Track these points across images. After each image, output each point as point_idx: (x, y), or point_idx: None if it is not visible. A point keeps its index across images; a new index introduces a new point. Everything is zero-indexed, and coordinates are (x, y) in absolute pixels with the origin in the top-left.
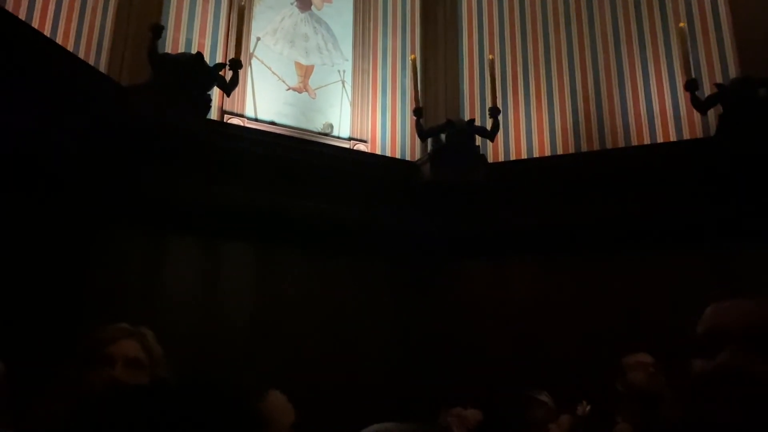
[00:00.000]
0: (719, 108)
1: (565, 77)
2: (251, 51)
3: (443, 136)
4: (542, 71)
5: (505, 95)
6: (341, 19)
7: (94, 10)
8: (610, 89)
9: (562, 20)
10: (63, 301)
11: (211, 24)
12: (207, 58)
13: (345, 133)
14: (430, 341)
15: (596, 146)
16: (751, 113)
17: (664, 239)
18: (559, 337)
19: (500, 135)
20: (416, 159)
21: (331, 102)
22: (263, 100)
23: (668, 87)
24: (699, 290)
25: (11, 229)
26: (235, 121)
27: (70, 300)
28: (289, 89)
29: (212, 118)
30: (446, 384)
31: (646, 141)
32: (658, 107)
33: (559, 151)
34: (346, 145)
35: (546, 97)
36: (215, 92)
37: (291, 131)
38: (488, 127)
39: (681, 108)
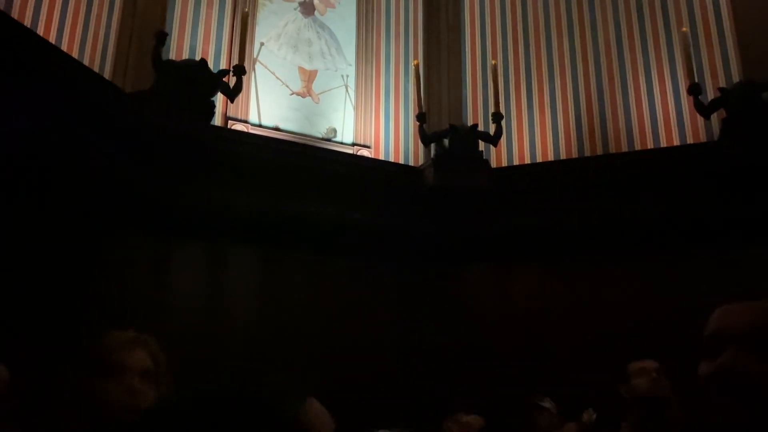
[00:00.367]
0: (722, 112)
1: (567, 82)
2: (255, 56)
3: (446, 142)
4: (545, 76)
5: (508, 100)
6: (344, 24)
7: (98, 17)
8: (613, 94)
9: (564, 24)
10: (67, 306)
11: (215, 30)
12: (211, 64)
13: (348, 138)
14: (433, 346)
15: (599, 151)
16: (755, 117)
17: (668, 243)
18: (563, 342)
19: (503, 140)
20: (419, 164)
21: (334, 106)
22: (267, 104)
23: (671, 91)
24: (704, 294)
25: (17, 234)
26: (238, 127)
27: (74, 306)
28: (292, 94)
29: (216, 124)
30: (449, 389)
31: (650, 145)
32: (661, 111)
33: (563, 156)
34: (349, 150)
35: (549, 101)
36: (219, 98)
37: (294, 137)
38: (491, 132)
39: (684, 112)
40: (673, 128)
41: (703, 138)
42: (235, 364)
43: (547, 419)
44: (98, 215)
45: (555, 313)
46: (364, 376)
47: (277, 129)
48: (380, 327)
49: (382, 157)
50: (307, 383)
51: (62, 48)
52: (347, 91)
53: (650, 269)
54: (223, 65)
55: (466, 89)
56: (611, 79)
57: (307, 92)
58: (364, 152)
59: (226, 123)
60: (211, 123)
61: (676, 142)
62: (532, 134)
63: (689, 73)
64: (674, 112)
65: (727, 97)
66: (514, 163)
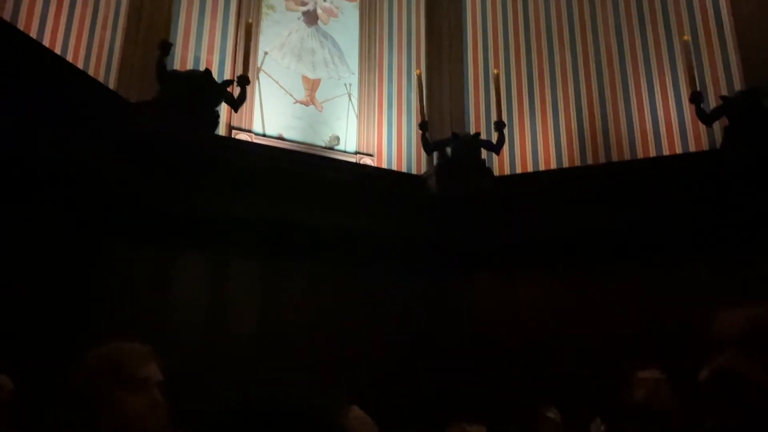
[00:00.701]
0: (724, 120)
1: (570, 90)
2: (259, 65)
3: (449, 150)
4: (547, 84)
5: (510, 109)
6: (347, 34)
7: (104, 27)
8: (615, 102)
9: (566, 33)
10: (70, 315)
11: (219, 40)
12: (215, 74)
13: (351, 147)
14: (437, 354)
15: (601, 159)
16: (756, 124)
17: (671, 250)
18: (568, 350)
19: (506, 148)
20: (422, 172)
21: (338, 115)
22: (271, 113)
23: (673, 99)
24: (706, 300)
25: (21, 243)
26: (242, 136)
27: (78, 314)
28: (296, 102)
29: (220, 133)
30: (452, 397)
31: (652, 153)
32: (663, 120)
33: (565, 164)
34: (352, 159)
35: (551, 110)
36: (223, 108)
37: (298, 145)
38: (494, 140)
39: (686, 120)
40: (675, 136)
41: (705, 146)
42: (237, 372)
43: (553, 430)
44: (102, 224)
45: (559, 320)
46: (367, 384)
47: (281, 138)
48: (384, 335)
49: (385, 165)
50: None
51: (68, 59)
52: (350, 99)
53: (653, 276)
54: (227, 75)
55: (468, 98)
56: (613, 87)
57: (310, 101)
58: (367, 161)
59: (230, 132)
60: (216, 133)
61: (678, 149)
62: (534, 142)
63: (691, 81)
64: (676, 119)
65: (728, 104)
66: (517, 171)
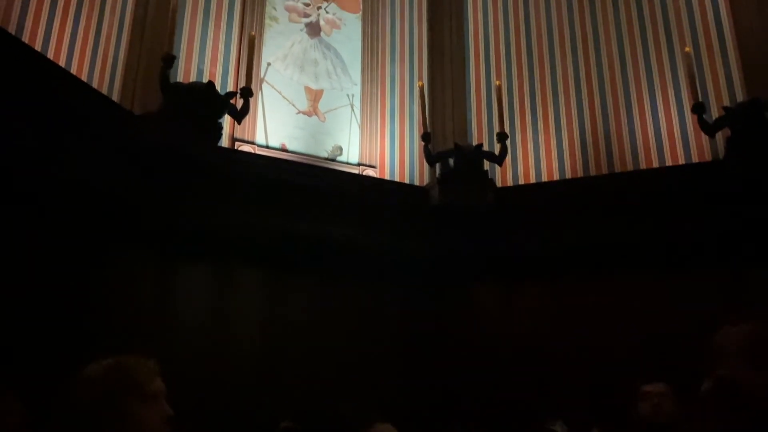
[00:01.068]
0: (727, 131)
1: (572, 101)
2: (262, 76)
3: (451, 161)
4: (549, 95)
5: (512, 120)
6: (350, 45)
7: (107, 39)
8: (618, 113)
9: (568, 44)
10: (72, 327)
11: (222, 53)
12: (218, 85)
13: (354, 158)
14: (437, 365)
15: (604, 170)
16: (759, 135)
17: (674, 262)
18: (570, 362)
19: (508, 159)
20: (425, 184)
21: (340, 126)
22: (274, 123)
23: (675, 110)
24: (709, 312)
25: (24, 253)
26: (245, 148)
27: (80, 326)
28: (299, 113)
29: (223, 145)
30: (452, 410)
31: (655, 164)
32: (665, 131)
33: (568, 176)
34: (355, 170)
35: (553, 121)
36: (226, 120)
37: (301, 156)
38: (496, 151)
39: (689, 131)
40: (677, 147)
41: (707, 157)
42: (231, 384)
43: None
44: (103, 235)
45: (560, 332)
46: (369, 395)
47: (284, 149)
48: (385, 346)
49: (387, 176)
50: (288, 401)
51: (72, 70)
52: (353, 110)
53: (656, 287)
54: (230, 86)
55: (470, 109)
56: (615, 97)
57: (313, 111)
58: (370, 172)
59: (233, 144)
60: (219, 144)
61: (681, 160)
62: (537, 153)
63: (693, 92)
64: (679, 130)
65: (731, 115)
66: (519, 183)
